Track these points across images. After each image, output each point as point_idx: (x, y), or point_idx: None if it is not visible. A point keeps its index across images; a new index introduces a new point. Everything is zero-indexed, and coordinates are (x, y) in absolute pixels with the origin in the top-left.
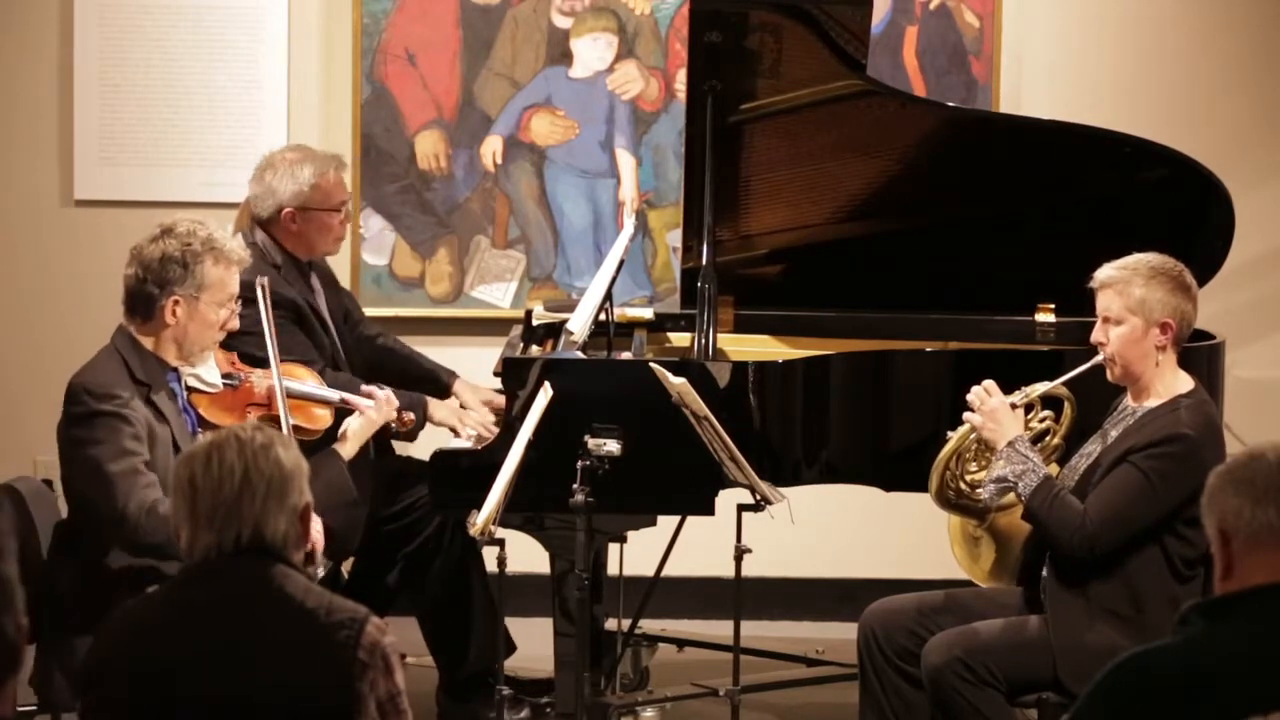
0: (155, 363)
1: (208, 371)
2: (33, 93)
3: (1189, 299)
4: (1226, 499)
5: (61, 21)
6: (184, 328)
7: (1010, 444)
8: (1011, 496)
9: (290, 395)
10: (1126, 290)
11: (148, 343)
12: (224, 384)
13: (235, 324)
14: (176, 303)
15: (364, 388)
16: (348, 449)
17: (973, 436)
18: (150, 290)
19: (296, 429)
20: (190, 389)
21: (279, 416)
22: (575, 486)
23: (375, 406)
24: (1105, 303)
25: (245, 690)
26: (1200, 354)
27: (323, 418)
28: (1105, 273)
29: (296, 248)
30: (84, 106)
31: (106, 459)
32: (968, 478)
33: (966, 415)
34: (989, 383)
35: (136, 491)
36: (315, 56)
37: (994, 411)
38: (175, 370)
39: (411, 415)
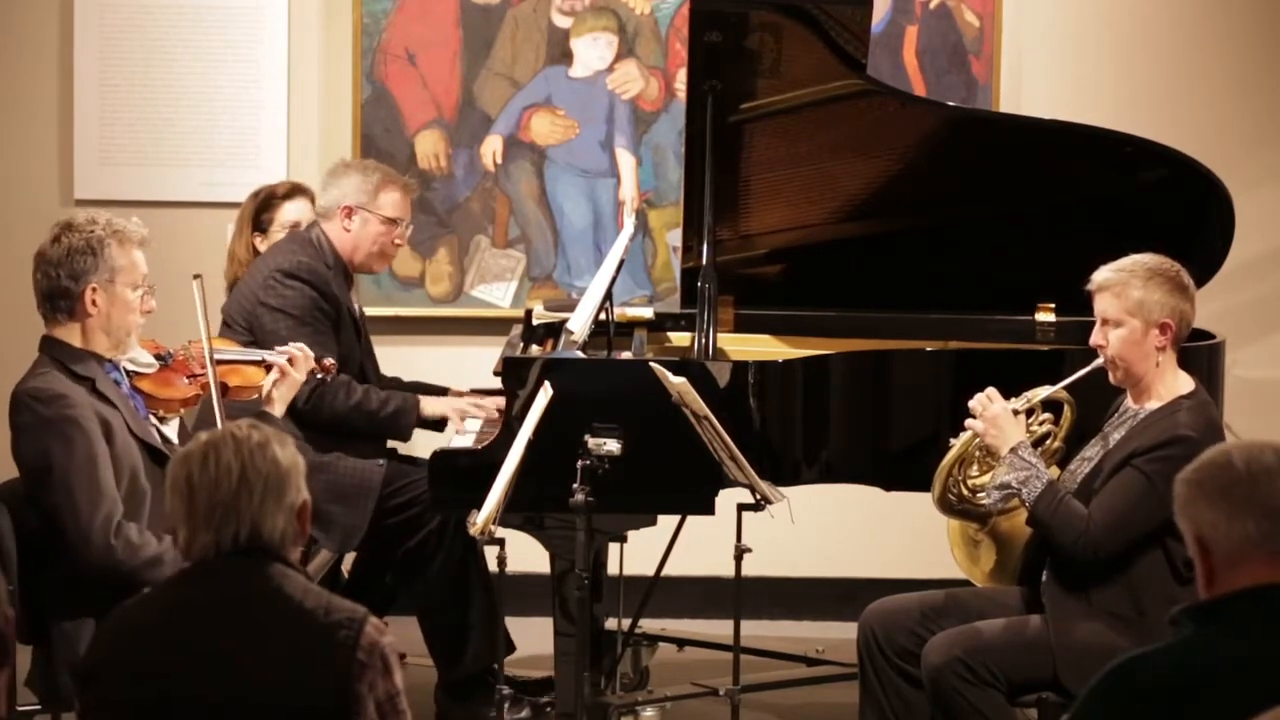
0: (89, 358)
1: (140, 355)
2: (33, 93)
3: (1187, 299)
4: (1200, 511)
5: (61, 21)
6: (106, 315)
7: (1013, 450)
8: (1014, 499)
9: (222, 362)
10: (1124, 292)
11: (76, 340)
12: (159, 363)
13: (151, 304)
14: (95, 290)
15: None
16: (278, 409)
17: (975, 443)
18: (66, 285)
19: (238, 389)
20: (130, 374)
21: (219, 381)
22: (575, 486)
23: (295, 364)
24: (1103, 305)
25: (243, 690)
26: (1200, 354)
27: (257, 375)
28: (1102, 275)
29: (345, 250)
30: (84, 106)
31: (68, 471)
32: (969, 482)
33: (968, 422)
34: (990, 390)
35: (99, 520)
36: (315, 56)
37: (996, 418)
38: (111, 362)
39: (331, 360)
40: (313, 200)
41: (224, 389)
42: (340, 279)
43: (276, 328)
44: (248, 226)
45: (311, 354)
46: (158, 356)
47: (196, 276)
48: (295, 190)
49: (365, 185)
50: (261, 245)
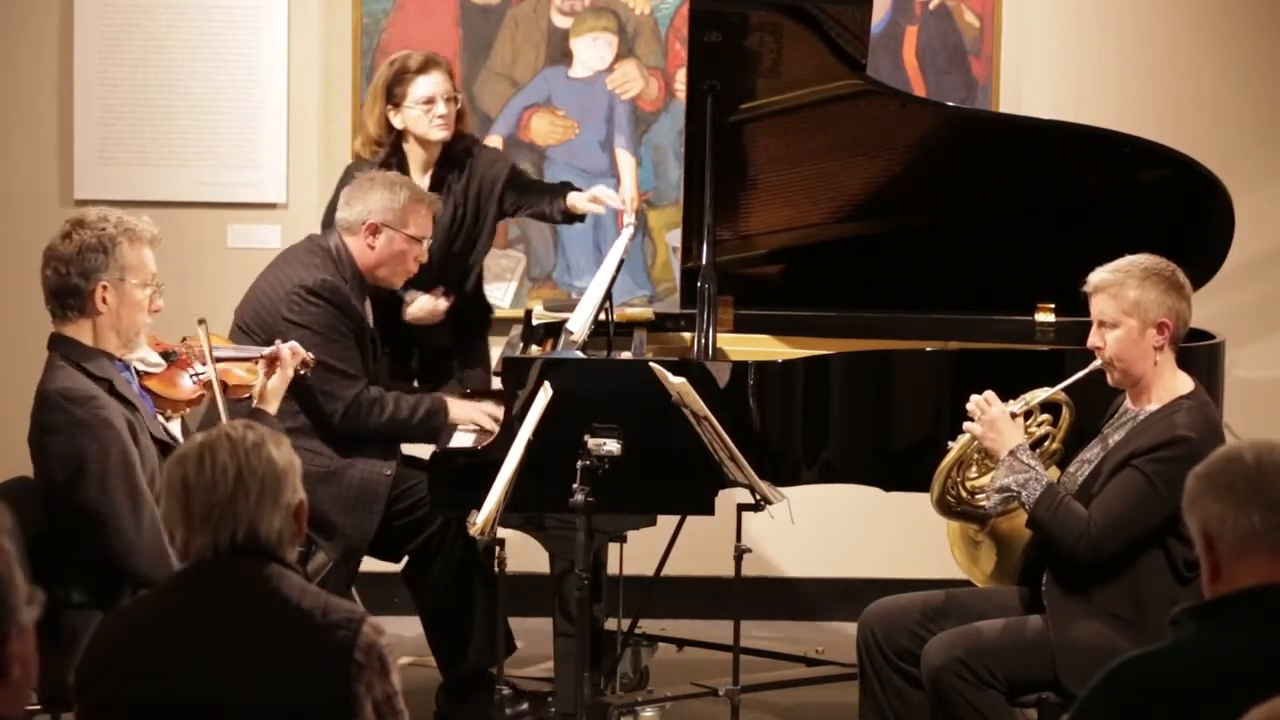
0: (102, 357)
1: (148, 354)
2: (33, 93)
3: (1183, 299)
4: (1208, 504)
5: (61, 21)
6: (116, 313)
7: (1012, 453)
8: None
9: (221, 359)
10: (1121, 293)
11: (87, 338)
12: (165, 361)
13: (160, 304)
14: (105, 288)
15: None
16: (271, 406)
17: (973, 445)
18: (77, 283)
19: (235, 388)
20: (140, 374)
21: (218, 377)
22: (575, 486)
23: (284, 362)
24: (1100, 306)
25: (241, 691)
26: (1200, 354)
27: (251, 374)
28: (1098, 276)
29: (366, 266)
30: (84, 106)
31: (106, 473)
32: (968, 484)
33: (967, 425)
34: (989, 393)
35: (145, 523)
36: (315, 56)
37: (994, 421)
38: (122, 361)
39: (311, 355)
40: (450, 74)
41: (223, 387)
42: (357, 292)
43: (302, 343)
44: (381, 98)
45: (301, 350)
46: (164, 355)
47: (201, 321)
48: (430, 63)
49: (392, 203)
50: (395, 119)
